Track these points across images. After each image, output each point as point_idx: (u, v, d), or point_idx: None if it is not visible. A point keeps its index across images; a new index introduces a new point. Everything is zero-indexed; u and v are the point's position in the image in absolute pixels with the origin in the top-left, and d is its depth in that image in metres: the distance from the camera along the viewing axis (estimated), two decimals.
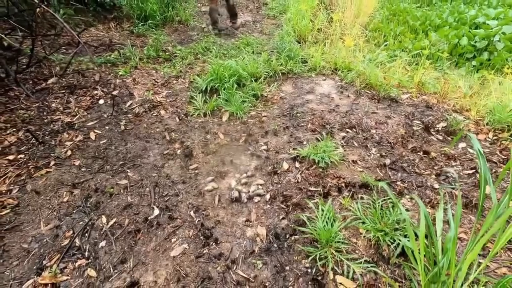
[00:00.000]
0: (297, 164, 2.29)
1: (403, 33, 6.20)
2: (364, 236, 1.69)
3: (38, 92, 3.02)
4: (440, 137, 2.63)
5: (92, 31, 4.54)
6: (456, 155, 2.41)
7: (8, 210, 1.85)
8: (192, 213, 1.87)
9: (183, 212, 1.87)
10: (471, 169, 2.25)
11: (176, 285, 1.49)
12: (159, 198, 1.98)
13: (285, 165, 2.27)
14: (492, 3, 7.21)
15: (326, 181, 2.11)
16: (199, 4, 6.57)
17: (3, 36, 2.56)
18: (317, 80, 3.65)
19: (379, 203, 1.86)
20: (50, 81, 3.22)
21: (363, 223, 1.75)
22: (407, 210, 1.89)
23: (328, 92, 3.37)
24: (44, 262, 1.60)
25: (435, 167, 2.28)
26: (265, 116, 2.93)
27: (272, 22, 5.75)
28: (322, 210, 1.78)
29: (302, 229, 1.70)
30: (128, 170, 2.20)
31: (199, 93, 3.12)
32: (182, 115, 2.87)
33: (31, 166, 2.19)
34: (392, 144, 2.51)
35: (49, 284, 1.49)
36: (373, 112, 2.98)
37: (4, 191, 1.99)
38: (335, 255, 1.58)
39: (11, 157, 2.27)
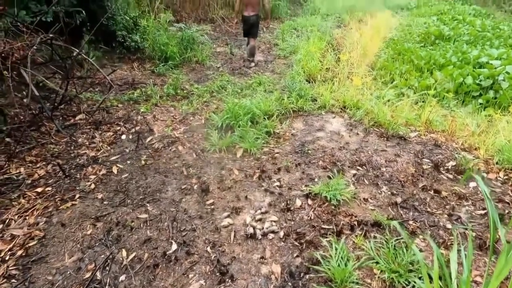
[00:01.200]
0: (309, 201, 2.36)
1: (408, 72, 6.46)
2: (378, 277, 1.70)
3: (67, 128, 3.26)
4: (450, 176, 2.68)
5: (117, 71, 4.93)
6: (467, 195, 2.44)
7: (35, 242, 1.96)
8: (208, 248, 1.93)
9: (200, 248, 1.94)
10: (483, 209, 2.27)
11: None
12: (177, 233, 2.05)
13: (298, 202, 2.34)
14: (494, 43, 7.51)
15: (339, 219, 2.15)
16: (214, 46, 7.06)
17: (45, 80, 2.85)
18: (326, 118, 3.81)
19: (392, 242, 1.88)
20: (78, 117, 3.47)
21: (377, 263, 1.77)
22: (420, 250, 1.90)
23: (337, 129, 3.51)
24: None
25: (447, 207, 2.31)
26: (277, 152, 3.06)
27: (283, 62, 6.11)
28: (336, 249, 1.82)
29: (316, 267, 1.74)
30: (148, 204, 2.30)
31: (215, 130, 3.30)
32: (199, 151, 3.03)
33: (58, 198, 2.33)
34: (402, 182, 2.57)
35: None
36: (382, 150, 3.07)
37: (32, 223, 2.11)
38: None
39: (39, 190, 2.42)
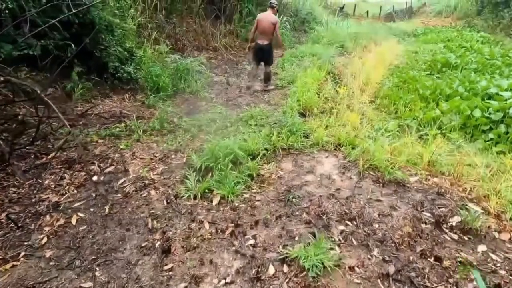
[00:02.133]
0: (285, 268, 2.01)
1: (413, 102, 6.14)
2: None
3: (36, 168, 3.06)
4: (455, 236, 2.30)
5: (106, 102, 4.82)
6: (475, 263, 2.05)
7: None
8: None
9: None
10: (496, 286, 1.87)
11: None
12: None
13: (271, 270, 2.00)
14: (504, 72, 7.17)
15: None
16: (212, 74, 6.99)
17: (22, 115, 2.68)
18: (319, 158, 3.51)
19: None
20: (51, 155, 3.28)
21: None
22: None
23: (329, 172, 3.19)
24: None
25: (450, 280, 1.93)
26: (258, 200, 2.75)
27: (280, 93, 5.92)
28: None
29: None
30: (97, 268, 2.01)
31: (193, 172, 3.03)
32: (172, 197, 2.75)
33: (0, 257, 2.06)
34: (397, 244, 2.20)
35: None
36: (376, 200, 2.72)
37: None
38: None
39: None
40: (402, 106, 5.95)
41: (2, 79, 2.38)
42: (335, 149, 3.71)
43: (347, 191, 2.86)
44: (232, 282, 1.91)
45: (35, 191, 2.75)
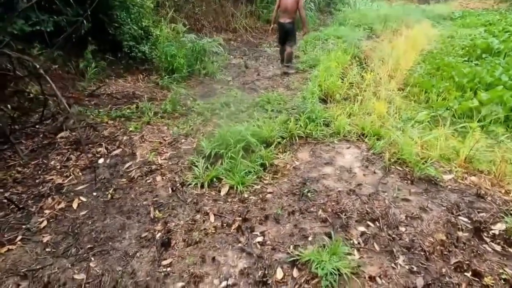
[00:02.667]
0: (295, 272, 1.78)
1: (447, 90, 5.59)
2: None
3: (44, 147, 2.98)
4: (498, 248, 1.96)
5: (119, 82, 4.70)
6: None
7: None
8: None
9: None
10: None
11: None
12: None
13: (280, 273, 1.78)
14: None
15: None
16: (231, 57, 6.69)
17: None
18: (339, 148, 3.19)
19: None
20: (60, 135, 3.19)
21: None
22: None
23: (350, 164, 2.89)
24: None
25: None
26: (270, 192, 2.51)
27: (300, 77, 5.55)
28: None
29: None
30: (93, 258, 1.88)
31: (202, 158, 2.83)
32: (178, 185, 2.58)
33: None
34: (427, 253, 1.91)
35: None
36: (404, 199, 2.41)
37: None
38: None
39: None
40: (434, 95, 5.43)
41: None
42: (358, 140, 3.37)
43: (370, 188, 2.56)
44: (234, 285, 1.71)
45: (39, 172, 2.67)
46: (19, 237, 2.02)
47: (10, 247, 1.94)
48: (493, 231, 2.07)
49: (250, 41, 8.52)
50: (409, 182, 2.64)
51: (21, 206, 2.27)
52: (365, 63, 6.70)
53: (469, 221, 2.16)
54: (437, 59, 7.48)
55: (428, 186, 2.58)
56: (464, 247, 1.94)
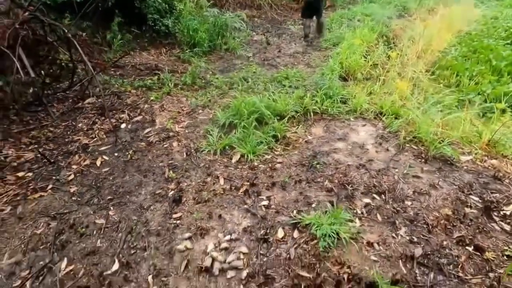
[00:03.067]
0: (295, 234, 1.87)
1: (481, 74, 5.24)
2: None
3: (72, 111, 3.21)
4: (507, 227, 1.92)
5: (143, 55, 4.86)
6: None
7: None
8: (150, 278, 1.61)
9: (142, 274, 1.63)
10: None
11: None
12: (126, 249, 1.77)
13: (281, 233, 1.87)
14: None
15: (324, 267, 1.64)
16: (253, 33, 6.63)
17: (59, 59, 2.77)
18: (354, 125, 3.16)
19: None
20: (87, 100, 3.42)
21: None
22: None
23: (363, 141, 2.87)
24: None
25: (490, 274, 1.62)
26: (279, 162, 2.58)
27: (322, 54, 5.42)
28: None
29: None
30: (112, 208, 2.07)
31: (216, 128, 2.94)
32: (192, 150, 2.71)
33: (31, 187, 2.23)
34: (430, 226, 1.91)
35: None
36: (415, 176, 2.38)
37: None
38: None
39: (20, 174, 2.36)
40: (466, 78, 5.12)
41: (29, 15, 2.39)
42: (375, 118, 3.31)
43: (381, 163, 2.55)
44: (237, 239, 1.83)
45: (68, 132, 2.90)
46: (50, 186, 2.25)
47: (42, 193, 2.18)
48: (504, 211, 2.02)
49: (275, 18, 8.33)
50: (422, 160, 2.59)
51: (52, 160, 2.51)
52: (393, 42, 6.38)
53: (480, 200, 2.12)
54: (474, 41, 6.95)
55: (442, 165, 2.52)
56: (469, 223, 1.92)
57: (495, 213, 2.02)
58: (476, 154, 2.70)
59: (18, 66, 2.26)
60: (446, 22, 7.65)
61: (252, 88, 3.83)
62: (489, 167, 2.54)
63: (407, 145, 2.78)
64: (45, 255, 1.74)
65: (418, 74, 4.89)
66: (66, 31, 2.53)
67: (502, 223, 1.94)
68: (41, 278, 1.62)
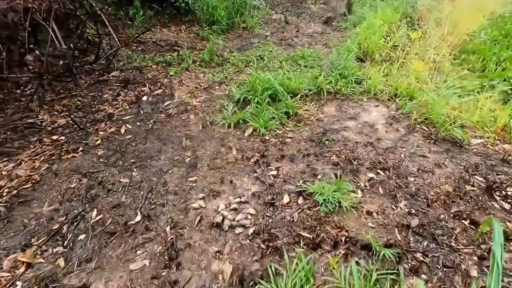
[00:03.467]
0: (300, 200, 2.02)
1: (510, 60, 5.02)
2: None
3: (98, 83, 3.43)
4: (507, 206, 1.98)
5: (164, 31, 4.98)
6: None
7: (29, 185, 2.13)
8: (168, 228, 1.82)
9: (161, 225, 1.84)
10: None
11: None
12: (147, 204, 1.99)
13: (286, 199, 2.03)
14: None
15: (323, 229, 1.79)
16: (272, 12, 6.57)
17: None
18: (366, 106, 3.21)
19: (374, 275, 1.47)
20: (112, 74, 3.63)
21: None
22: None
23: (374, 121, 2.93)
24: (33, 240, 1.76)
25: (482, 246, 1.72)
26: (290, 137, 2.70)
27: (341, 35, 5.35)
28: (297, 265, 1.51)
29: (263, 284, 1.47)
30: (135, 170, 2.29)
31: (232, 103, 3.07)
32: (208, 123, 2.87)
33: (64, 148, 2.48)
34: (429, 201, 2.00)
35: (25, 263, 1.63)
36: (421, 155, 2.44)
37: (36, 167, 2.30)
38: None
39: (54, 137, 2.61)
40: (493, 64, 4.91)
41: None
42: (388, 100, 3.33)
43: (389, 142, 2.62)
44: (246, 202, 2.01)
45: (95, 102, 3.13)
46: (80, 149, 2.49)
47: (74, 155, 2.42)
48: (506, 192, 2.07)
49: None
50: (431, 141, 2.63)
51: (81, 127, 2.75)
52: (417, 24, 6.15)
53: (484, 181, 2.17)
54: (508, 25, 6.56)
55: (451, 147, 2.57)
56: (469, 200, 1.99)
57: (497, 193, 2.07)
58: (488, 138, 2.71)
59: (54, 37, 2.45)
60: (478, 3, 7.22)
61: (268, 66, 3.90)
62: (500, 151, 2.55)
63: (418, 126, 2.82)
64: (78, 205, 1.99)
65: (441, 58, 4.76)
66: (94, 5, 2.68)
67: (503, 202, 2.01)
68: (75, 223, 1.87)
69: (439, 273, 1.57)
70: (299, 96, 3.16)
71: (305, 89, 3.27)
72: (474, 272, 1.58)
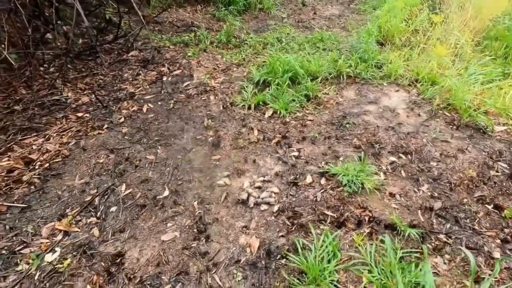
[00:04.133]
0: (323, 181, 2.05)
1: None
2: (364, 287, 1.41)
3: (118, 62, 3.46)
4: None
5: (179, 12, 4.93)
6: None
7: (59, 159, 2.20)
8: (196, 203, 1.88)
9: (188, 201, 1.90)
10: None
11: (154, 269, 1.54)
12: (174, 180, 2.05)
13: (309, 179, 2.06)
14: None
15: (347, 209, 1.83)
16: None
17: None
18: (387, 90, 3.17)
19: (399, 254, 1.51)
20: (131, 53, 3.64)
21: (370, 271, 1.46)
22: (436, 274, 1.49)
23: (395, 106, 2.90)
24: (67, 210, 1.85)
25: (505, 230, 1.74)
26: (310, 120, 2.71)
27: (360, 18, 5.21)
28: (324, 241, 1.56)
29: (292, 257, 1.53)
30: (160, 147, 2.34)
31: (251, 84, 3.07)
32: (228, 104, 2.89)
33: (90, 125, 2.54)
34: (453, 185, 2.01)
35: (63, 231, 1.72)
36: (444, 141, 2.43)
37: (64, 142, 2.37)
38: None
39: (79, 114, 2.67)
40: None
41: None
42: (409, 85, 3.28)
43: (410, 127, 2.60)
44: (269, 181, 2.05)
45: (116, 81, 3.16)
46: (105, 126, 2.55)
47: (100, 131, 2.48)
48: None
49: None
50: (454, 127, 2.61)
51: (104, 105, 2.80)
52: (439, 8, 5.93)
53: (508, 167, 2.16)
54: None
55: (474, 133, 2.54)
56: (493, 186, 2.00)
57: None
58: None
59: (82, 13, 2.46)
60: None
61: (286, 49, 3.85)
62: None
63: (440, 111, 2.79)
64: (108, 179, 2.06)
65: (462, 43, 4.62)
66: None
67: None
68: (106, 196, 1.94)
69: (462, 254, 1.60)
70: (319, 79, 3.13)
71: (324, 72, 3.24)
72: (497, 254, 1.60)
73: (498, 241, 1.68)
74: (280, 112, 2.73)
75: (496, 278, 1.46)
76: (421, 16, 4.96)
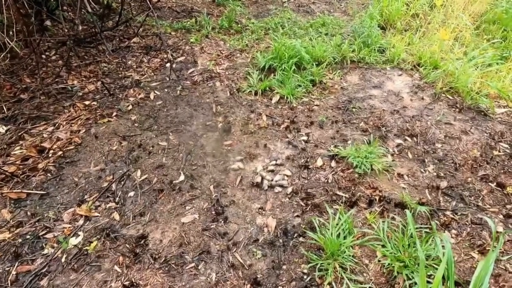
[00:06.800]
0: (333, 163, 2.12)
1: None
2: (378, 261, 1.50)
3: (121, 49, 3.41)
4: None
5: None
6: None
7: (72, 147, 2.22)
8: (212, 187, 1.93)
9: (204, 184, 1.95)
10: None
11: (177, 249, 1.60)
12: (188, 165, 2.09)
13: (320, 162, 2.12)
14: None
15: (358, 189, 1.90)
16: None
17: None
18: (390, 74, 3.21)
19: (410, 229, 1.60)
20: (132, 40, 3.59)
21: (383, 246, 1.55)
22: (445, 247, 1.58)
23: (399, 90, 2.95)
24: (86, 196, 1.89)
25: (507, 206, 1.83)
26: (316, 105, 2.75)
27: (361, 2, 5.17)
28: (340, 219, 1.63)
29: (310, 234, 1.60)
30: (171, 134, 2.37)
31: (256, 70, 3.08)
32: (234, 90, 2.90)
33: (99, 113, 2.55)
34: (457, 165, 2.10)
35: (83, 216, 1.76)
36: (447, 123, 2.50)
37: (75, 130, 2.38)
38: (337, 270, 1.45)
39: (87, 102, 2.67)
40: None
41: None
42: (412, 69, 3.32)
43: (415, 111, 2.66)
44: (281, 165, 2.10)
45: (120, 68, 3.14)
46: (114, 114, 2.56)
47: (109, 119, 2.49)
48: None
49: None
50: (456, 110, 2.68)
51: (111, 92, 2.79)
52: None
53: (509, 147, 2.25)
54: None
55: (476, 115, 2.62)
56: (496, 165, 2.09)
57: None
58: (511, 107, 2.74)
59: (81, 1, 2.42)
60: None
61: (288, 34, 3.83)
62: None
63: (443, 95, 2.85)
64: (122, 166, 2.09)
65: (461, 27, 4.64)
66: None
67: None
68: (122, 182, 1.98)
69: (467, 229, 1.70)
70: (324, 64, 3.15)
71: (329, 57, 3.25)
72: (500, 228, 1.70)
73: (501, 216, 1.77)
74: (287, 98, 2.76)
75: (500, 250, 1.56)
76: (422, 1, 4.94)
